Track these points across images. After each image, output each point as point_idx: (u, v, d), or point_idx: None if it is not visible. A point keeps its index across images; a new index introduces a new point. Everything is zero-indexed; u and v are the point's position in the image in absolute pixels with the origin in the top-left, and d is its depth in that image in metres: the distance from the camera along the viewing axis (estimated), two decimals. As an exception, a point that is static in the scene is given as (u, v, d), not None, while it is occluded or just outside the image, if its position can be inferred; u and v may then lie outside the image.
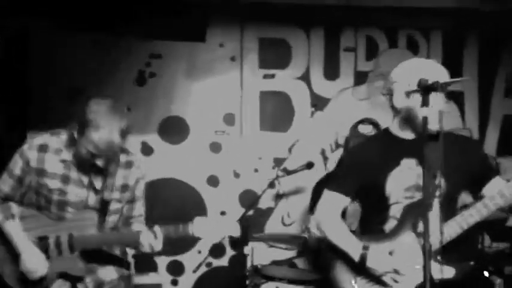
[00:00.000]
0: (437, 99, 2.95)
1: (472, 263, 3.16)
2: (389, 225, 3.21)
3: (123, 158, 3.42)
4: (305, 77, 5.44)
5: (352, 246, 3.16)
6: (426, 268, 2.59)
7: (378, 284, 3.13)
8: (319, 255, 4.38)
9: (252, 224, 5.00)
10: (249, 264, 4.57)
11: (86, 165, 3.27)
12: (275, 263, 5.15)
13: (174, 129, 5.35)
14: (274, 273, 4.36)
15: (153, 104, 5.33)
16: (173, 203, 5.22)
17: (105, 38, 5.23)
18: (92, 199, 3.35)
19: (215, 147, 5.38)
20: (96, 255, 3.39)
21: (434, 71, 3.02)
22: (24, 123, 5.03)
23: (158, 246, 3.27)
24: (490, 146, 5.49)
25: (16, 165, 3.30)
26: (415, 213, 3.11)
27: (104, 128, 3.12)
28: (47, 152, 3.29)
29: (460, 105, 5.50)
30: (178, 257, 5.33)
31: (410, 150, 3.15)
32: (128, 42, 5.26)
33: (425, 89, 2.74)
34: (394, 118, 3.26)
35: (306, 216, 5.16)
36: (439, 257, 3.02)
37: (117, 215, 3.43)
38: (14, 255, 3.28)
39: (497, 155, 5.48)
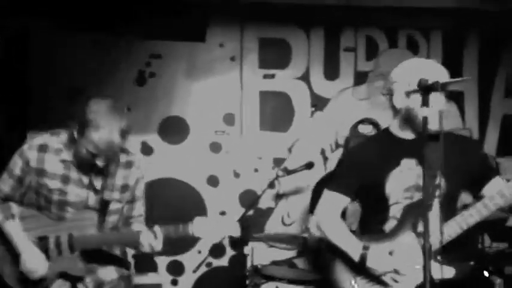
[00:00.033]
0: (437, 99, 2.95)
1: (472, 263, 3.16)
2: (389, 225, 3.21)
3: (123, 158, 3.42)
4: (305, 77, 5.43)
5: (352, 246, 3.16)
6: (426, 268, 2.59)
7: (378, 284, 3.13)
8: (319, 255, 4.37)
9: (252, 224, 5.00)
10: (249, 264, 4.58)
11: (86, 165, 3.27)
12: (275, 263, 5.13)
13: (174, 129, 5.35)
14: (274, 273, 4.36)
15: (153, 104, 5.32)
16: (173, 203, 5.22)
17: (105, 38, 5.22)
18: (92, 199, 3.35)
19: (215, 147, 5.37)
20: (96, 255, 3.39)
21: (434, 71, 3.02)
22: (24, 123, 5.02)
23: (158, 246, 3.27)
24: (490, 145, 5.49)
25: (16, 165, 3.30)
26: (415, 213, 3.11)
27: (104, 128, 3.12)
28: (46, 152, 3.29)
29: (460, 105, 5.50)
30: (178, 257, 5.33)
31: (410, 150, 3.14)
32: (128, 42, 5.25)
33: (426, 89, 2.74)
34: (394, 118, 3.26)
35: (306, 216, 5.16)
36: (439, 257, 3.02)
37: (117, 215, 3.44)
38: (14, 255, 3.28)
39: (497, 155, 5.48)
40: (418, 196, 3.14)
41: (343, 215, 3.39)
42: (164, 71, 5.34)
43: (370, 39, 5.46)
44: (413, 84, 2.92)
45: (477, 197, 3.20)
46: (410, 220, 3.13)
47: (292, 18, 5.38)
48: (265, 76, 5.42)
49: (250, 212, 4.96)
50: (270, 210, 5.40)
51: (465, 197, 3.38)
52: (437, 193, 3.11)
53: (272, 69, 5.42)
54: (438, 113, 2.90)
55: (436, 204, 3.11)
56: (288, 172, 5.05)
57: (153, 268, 5.29)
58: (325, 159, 5.40)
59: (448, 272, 3.04)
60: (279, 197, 5.39)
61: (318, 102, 5.43)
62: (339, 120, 5.40)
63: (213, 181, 5.37)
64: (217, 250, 5.33)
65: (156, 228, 3.27)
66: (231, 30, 5.38)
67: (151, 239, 3.25)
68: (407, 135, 3.20)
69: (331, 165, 5.33)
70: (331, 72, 5.44)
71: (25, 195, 3.36)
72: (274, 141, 5.40)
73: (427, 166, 2.72)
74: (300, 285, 4.24)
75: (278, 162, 5.38)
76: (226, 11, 5.30)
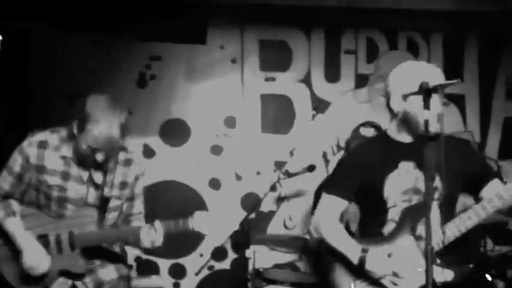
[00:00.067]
0: (435, 101, 2.94)
1: (471, 265, 3.15)
2: (388, 228, 3.20)
3: (122, 155, 3.43)
4: (306, 80, 5.43)
5: (351, 249, 3.15)
6: (429, 271, 2.58)
7: (377, 287, 3.12)
8: (320, 257, 4.37)
9: (254, 227, 4.99)
10: (250, 267, 4.57)
11: (86, 160, 3.27)
12: (277, 266, 5.13)
13: (175, 132, 5.36)
14: (276, 276, 4.36)
15: (154, 107, 5.33)
16: (175, 206, 5.22)
17: (105, 38, 5.23)
18: (92, 196, 3.36)
19: (216, 150, 5.38)
20: (96, 252, 3.39)
21: (430, 73, 3.01)
22: (24, 123, 5.02)
23: (159, 241, 3.27)
24: (492, 148, 5.48)
25: (16, 162, 3.31)
26: (414, 216, 3.11)
27: (104, 122, 3.14)
28: (46, 148, 3.30)
29: (461, 108, 5.48)
30: (180, 260, 5.34)
31: (408, 153, 3.14)
32: (128, 43, 5.27)
33: (427, 92, 2.73)
34: (391, 121, 3.25)
35: (308, 219, 5.14)
36: (438, 260, 3.01)
37: (116, 212, 3.44)
38: (15, 253, 3.28)
39: (498, 157, 5.46)
40: (416, 199, 3.14)
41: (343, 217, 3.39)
42: (165, 73, 5.36)
43: (370, 41, 5.47)
44: (409, 87, 2.92)
45: (476, 199, 3.19)
46: (408, 223, 3.12)
47: (293, 20, 5.39)
48: (267, 79, 5.42)
49: (252, 215, 4.95)
50: (271, 213, 5.40)
51: (466, 199, 3.36)
52: (436, 195, 3.10)
53: (273, 72, 5.44)
54: (436, 116, 2.90)
55: (435, 206, 3.10)
56: (290, 175, 5.05)
57: (155, 271, 5.29)
58: (327, 162, 5.39)
59: (447, 275, 3.03)
60: (280, 200, 5.38)
61: (319, 105, 5.42)
62: (340, 123, 5.39)
63: (214, 184, 5.37)
64: (219, 253, 5.34)
65: (157, 223, 3.27)
66: (231, 32, 5.40)
67: (152, 234, 3.24)
68: (405, 138, 3.19)
69: (333, 168, 5.32)
70: (332, 74, 5.45)
71: (25, 193, 3.36)
72: (275, 143, 5.40)
73: (426, 168, 2.72)
74: (301, 289, 4.25)
75: (279, 165, 5.38)
76: (226, 12, 5.31)
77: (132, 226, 3.44)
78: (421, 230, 3.09)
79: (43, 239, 3.30)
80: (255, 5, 5.27)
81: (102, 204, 3.36)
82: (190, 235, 5.05)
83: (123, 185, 3.43)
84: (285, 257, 5.26)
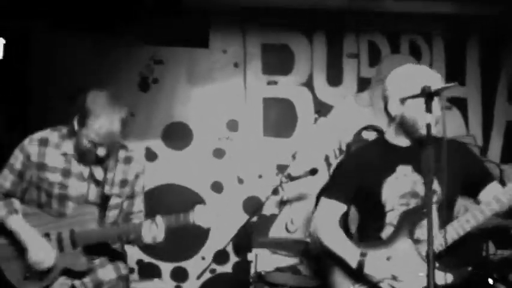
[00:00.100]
0: (434, 105, 2.94)
1: (469, 268, 3.15)
2: (386, 232, 3.20)
3: (122, 153, 3.45)
4: (308, 83, 5.44)
5: (350, 253, 3.15)
6: (430, 275, 2.58)
7: (376, 291, 3.12)
8: (321, 261, 4.37)
9: (256, 230, 4.99)
10: (252, 270, 4.57)
11: (87, 156, 3.28)
12: (279, 269, 5.12)
13: (177, 135, 5.36)
14: (278, 279, 4.36)
15: (156, 110, 5.34)
16: (177, 209, 5.17)
17: (105, 38, 5.24)
18: (93, 193, 3.37)
19: (219, 153, 5.38)
20: (97, 250, 3.40)
21: (427, 76, 3.01)
22: (24, 123, 5.03)
23: (160, 236, 3.27)
24: (494, 152, 5.45)
25: (17, 160, 3.32)
26: (412, 219, 3.11)
27: (104, 117, 3.16)
28: (47, 146, 3.31)
29: (464, 111, 5.46)
30: (182, 263, 5.33)
31: (406, 156, 3.14)
32: (128, 43, 5.28)
33: (429, 96, 2.73)
34: (389, 125, 3.25)
35: (310, 223, 5.14)
36: (436, 263, 3.01)
37: (117, 210, 3.46)
38: (20, 253, 3.28)
39: (501, 161, 5.44)
40: (414, 203, 3.14)
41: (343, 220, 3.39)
42: (167, 77, 5.36)
43: (372, 45, 5.46)
44: (407, 91, 2.92)
45: (474, 202, 3.19)
46: (406, 227, 3.12)
47: (295, 24, 5.39)
48: (269, 83, 5.42)
49: (254, 219, 4.96)
50: (274, 217, 5.39)
51: (465, 202, 3.36)
52: (434, 199, 3.10)
53: (275, 75, 5.44)
54: (436, 119, 2.91)
55: (433, 210, 3.09)
56: (292, 178, 5.05)
57: (157, 274, 5.30)
58: (329, 165, 5.38)
59: (447, 278, 3.03)
60: (282, 203, 5.38)
61: (322, 109, 5.42)
62: (342, 127, 5.39)
63: (217, 187, 5.37)
64: (221, 256, 5.33)
65: (158, 218, 3.28)
66: (233, 36, 5.40)
67: (153, 230, 3.25)
68: (403, 141, 3.19)
69: (332, 171, 5.32)
70: (334, 78, 5.44)
71: (26, 192, 3.37)
72: (277, 147, 5.40)
73: (425, 171, 2.72)
74: (303, 292, 4.25)
75: (282, 168, 5.38)
76: (228, 16, 5.32)
77: (133, 223, 3.45)
78: (419, 233, 3.10)
79: (45, 238, 3.30)
80: (257, 9, 5.28)
81: (103, 202, 3.38)
82: (192, 237, 5.12)
83: (124, 182, 3.45)
84: (287, 260, 5.26)
